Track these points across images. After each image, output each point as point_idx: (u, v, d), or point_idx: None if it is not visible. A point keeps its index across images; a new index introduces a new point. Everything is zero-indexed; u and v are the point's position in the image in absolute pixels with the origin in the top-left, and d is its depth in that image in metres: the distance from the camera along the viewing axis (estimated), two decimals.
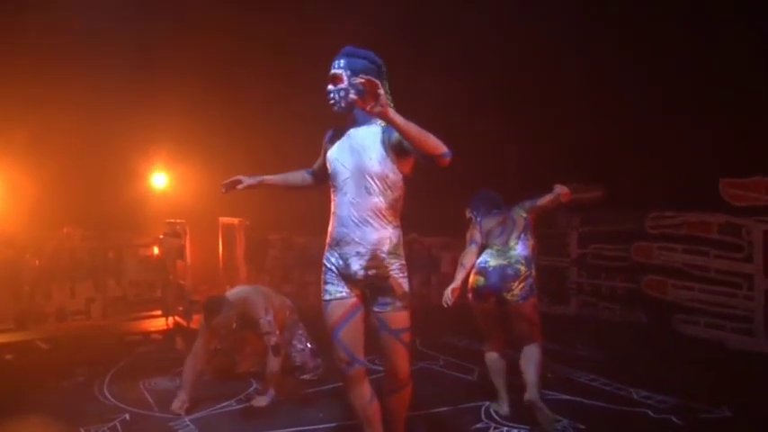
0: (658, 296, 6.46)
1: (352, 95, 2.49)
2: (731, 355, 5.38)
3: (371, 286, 2.62)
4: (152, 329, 6.66)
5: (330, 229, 2.70)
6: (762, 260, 5.51)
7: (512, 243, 3.62)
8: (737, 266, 5.71)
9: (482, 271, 3.59)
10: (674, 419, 3.71)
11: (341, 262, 2.65)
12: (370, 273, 2.59)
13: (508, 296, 3.52)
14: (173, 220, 6.98)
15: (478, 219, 3.79)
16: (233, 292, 4.40)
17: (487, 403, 3.93)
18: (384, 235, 2.59)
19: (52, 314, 6.37)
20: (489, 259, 3.61)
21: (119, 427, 3.69)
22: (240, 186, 2.90)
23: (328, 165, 2.72)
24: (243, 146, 7.99)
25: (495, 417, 3.75)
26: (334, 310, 2.68)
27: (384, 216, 2.58)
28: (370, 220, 2.57)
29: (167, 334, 6.50)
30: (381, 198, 2.56)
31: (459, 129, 7.24)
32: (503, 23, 7.11)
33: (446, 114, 7.15)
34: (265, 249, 7.47)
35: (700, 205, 6.05)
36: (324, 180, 2.79)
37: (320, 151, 2.85)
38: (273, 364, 4.06)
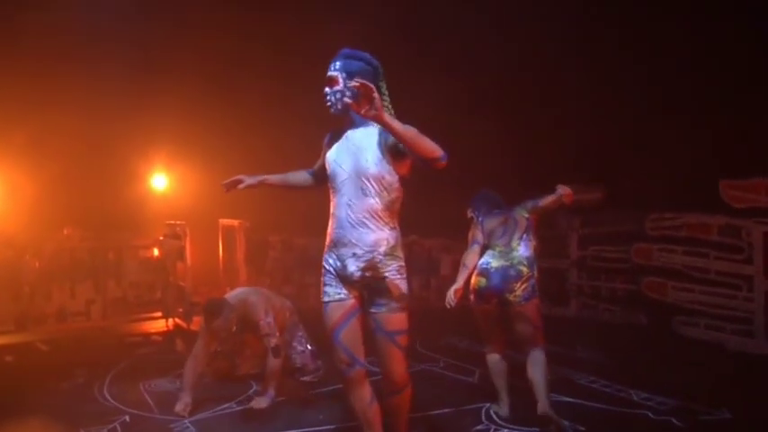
0: (658, 298, 6.46)
1: (348, 98, 2.49)
2: (731, 357, 5.38)
3: (368, 287, 2.62)
4: (152, 331, 6.66)
5: (329, 230, 2.70)
6: (762, 262, 5.51)
7: (514, 244, 3.59)
8: (737, 268, 5.70)
9: (484, 272, 3.57)
10: (675, 421, 3.70)
11: (338, 263, 2.65)
12: (366, 274, 2.59)
13: (510, 297, 3.49)
14: (173, 222, 6.98)
15: (480, 219, 3.77)
16: (233, 294, 4.39)
17: (488, 405, 3.92)
18: (381, 236, 2.58)
19: (52, 315, 6.38)
20: (491, 260, 3.59)
21: (119, 428, 3.70)
22: (241, 186, 2.91)
23: (327, 166, 2.73)
24: (243, 147, 8.00)
25: (496, 418, 3.75)
26: (333, 312, 2.68)
27: (380, 218, 2.58)
28: (367, 222, 2.57)
29: (167, 335, 6.50)
30: (378, 199, 2.57)
31: (459, 129, 7.28)
32: (503, 23, 7.11)
33: (446, 114, 7.17)
34: (265, 251, 7.48)
35: (700, 207, 6.05)
36: (324, 181, 2.79)
37: (320, 152, 2.85)
38: (273, 365, 4.05)
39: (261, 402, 3.99)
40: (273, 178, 2.96)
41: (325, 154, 2.77)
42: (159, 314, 6.95)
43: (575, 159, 6.85)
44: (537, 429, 3.53)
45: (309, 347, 4.63)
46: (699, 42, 5.91)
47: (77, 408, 4.06)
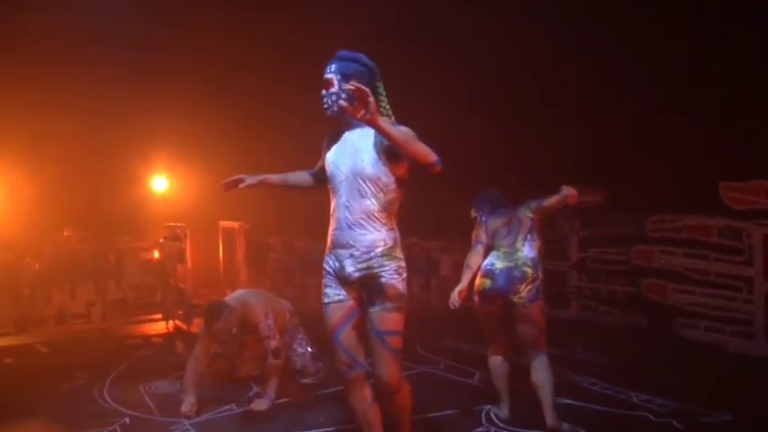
0: (658, 300, 6.45)
1: (343, 101, 2.50)
2: (731, 359, 5.38)
3: (366, 288, 2.62)
4: (152, 333, 6.66)
5: (329, 231, 2.71)
6: (762, 263, 5.51)
7: (518, 245, 3.54)
8: (737, 270, 5.70)
9: (489, 273, 3.53)
10: (675, 423, 3.70)
11: (337, 264, 2.66)
12: (363, 274, 2.59)
13: (515, 299, 3.44)
14: (173, 224, 6.99)
15: (483, 218, 3.73)
16: (233, 297, 4.39)
17: (488, 407, 3.92)
18: (377, 237, 2.58)
19: (52, 317, 6.39)
20: (496, 261, 3.54)
21: (118, 430, 3.69)
22: (242, 185, 2.91)
23: (326, 168, 2.73)
24: (243, 149, 8.00)
25: (496, 421, 3.75)
26: (333, 313, 2.68)
27: (377, 218, 2.58)
28: (364, 223, 2.57)
29: (167, 337, 6.50)
30: (374, 200, 2.57)
31: (458, 129, 7.29)
32: (503, 23, 7.11)
33: (446, 114, 7.17)
34: (266, 253, 7.48)
35: (700, 209, 6.05)
36: (324, 182, 2.79)
37: (320, 153, 2.85)
38: (274, 367, 4.05)
39: (261, 404, 3.99)
40: (274, 178, 2.96)
41: (324, 155, 2.78)
42: (159, 316, 6.96)
43: (575, 160, 6.85)
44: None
45: (310, 350, 4.63)
46: (699, 42, 5.90)
47: (77, 409, 4.05)
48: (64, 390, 4.55)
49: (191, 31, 7.66)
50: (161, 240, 7.06)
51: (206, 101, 8.02)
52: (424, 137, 2.49)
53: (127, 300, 6.83)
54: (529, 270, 3.47)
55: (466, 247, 3.80)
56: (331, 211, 2.69)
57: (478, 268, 3.59)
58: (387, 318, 2.58)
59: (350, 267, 2.61)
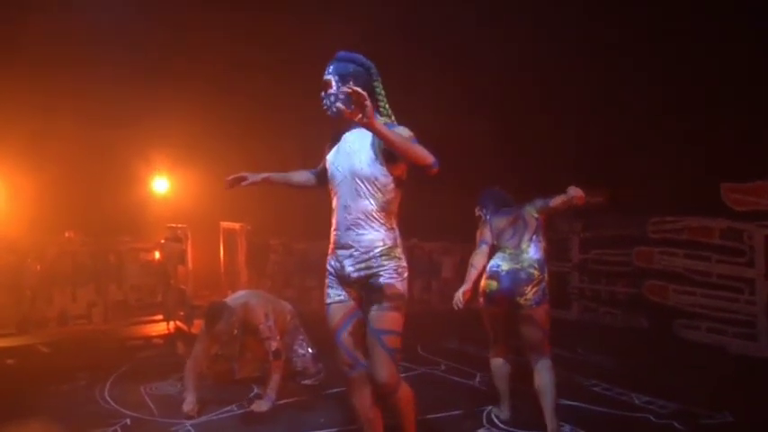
0: (660, 301, 6.45)
1: (340, 103, 2.50)
2: (733, 360, 5.37)
3: (365, 287, 2.62)
4: (153, 334, 6.66)
5: (331, 232, 2.71)
6: (763, 265, 5.50)
7: (524, 246, 3.49)
8: (739, 271, 5.69)
9: (494, 275, 3.48)
10: (676, 425, 3.69)
11: (338, 264, 2.66)
12: (362, 274, 2.59)
13: (521, 301, 3.39)
14: (174, 225, 6.99)
15: (488, 217, 3.69)
16: (233, 298, 4.39)
17: (489, 408, 3.92)
18: (376, 237, 2.58)
19: (53, 318, 6.40)
20: (501, 263, 3.49)
21: (119, 431, 3.69)
22: (244, 183, 2.90)
23: (327, 168, 2.73)
24: (243, 150, 8.00)
25: (497, 422, 3.74)
26: (334, 314, 2.68)
27: (376, 219, 2.58)
28: (362, 223, 2.57)
29: (168, 339, 6.50)
30: (372, 201, 2.56)
31: (458, 129, 7.29)
32: (503, 23, 7.11)
33: (446, 115, 7.17)
34: (266, 254, 7.48)
35: (701, 210, 6.04)
36: (325, 182, 2.79)
37: (320, 154, 2.86)
38: (274, 368, 4.05)
39: (262, 405, 3.99)
40: (276, 176, 2.96)
41: (325, 156, 2.78)
42: (160, 317, 6.96)
43: (575, 160, 6.85)
44: None
45: (310, 351, 4.63)
46: (699, 42, 5.90)
47: (78, 410, 4.05)
48: (65, 390, 4.55)
49: (191, 32, 7.67)
50: (162, 241, 7.07)
51: (206, 101, 8.02)
52: (423, 137, 2.49)
53: (128, 301, 6.84)
54: (535, 272, 3.42)
55: (467, 248, 3.79)
56: (332, 211, 2.70)
57: (483, 268, 3.54)
58: (384, 317, 2.57)
59: (349, 267, 2.61)
